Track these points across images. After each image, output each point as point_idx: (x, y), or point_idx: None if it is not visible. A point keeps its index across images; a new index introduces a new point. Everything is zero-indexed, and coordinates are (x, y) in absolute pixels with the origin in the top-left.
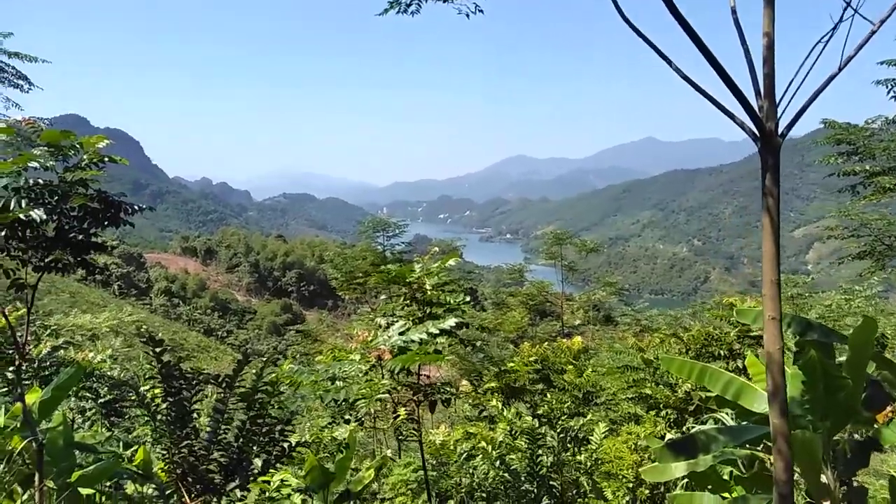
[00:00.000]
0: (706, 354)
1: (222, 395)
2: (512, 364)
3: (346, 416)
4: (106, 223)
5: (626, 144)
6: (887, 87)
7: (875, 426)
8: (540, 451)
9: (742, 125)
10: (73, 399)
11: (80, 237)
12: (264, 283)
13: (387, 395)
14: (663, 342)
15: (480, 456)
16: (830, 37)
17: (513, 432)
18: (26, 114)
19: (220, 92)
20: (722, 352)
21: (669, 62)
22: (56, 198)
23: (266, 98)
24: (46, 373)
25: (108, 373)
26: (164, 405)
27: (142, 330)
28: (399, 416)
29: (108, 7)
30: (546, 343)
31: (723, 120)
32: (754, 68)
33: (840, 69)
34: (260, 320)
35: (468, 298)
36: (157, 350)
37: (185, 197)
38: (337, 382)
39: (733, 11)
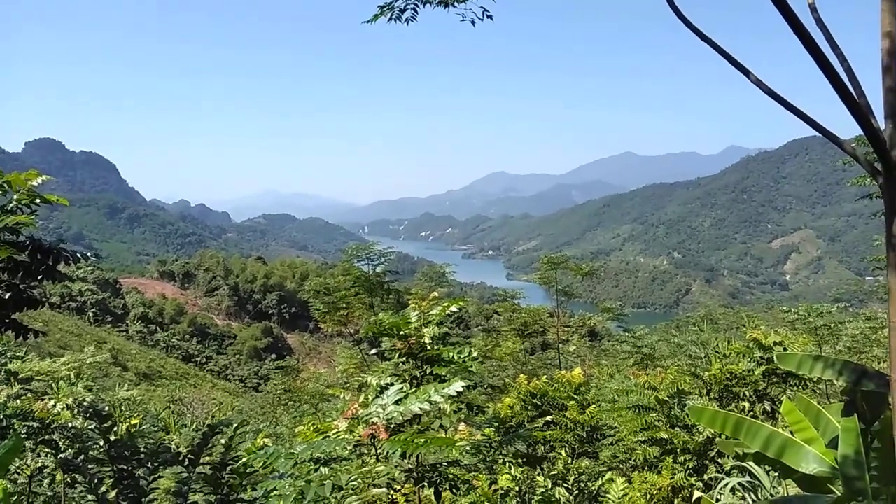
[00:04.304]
0: (729, 396)
1: (184, 473)
2: (508, 402)
3: None
4: (41, 277)
5: (605, 159)
6: None
7: None
8: None
9: (855, 155)
10: (30, 455)
11: (9, 294)
12: (244, 307)
13: (384, 489)
14: (677, 380)
15: None
16: None
17: (521, 492)
18: None
19: (197, 113)
20: (747, 392)
21: (755, 79)
22: None
23: (243, 119)
24: (3, 424)
25: (71, 423)
26: (113, 492)
27: (84, 402)
28: None
29: (83, 27)
30: (544, 377)
31: (699, 134)
32: (857, 80)
33: None
34: (240, 345)
35: (475, 354)
36: (105, 427)
37: (162, 219)
38: (322, 468)
39: (813, 10)
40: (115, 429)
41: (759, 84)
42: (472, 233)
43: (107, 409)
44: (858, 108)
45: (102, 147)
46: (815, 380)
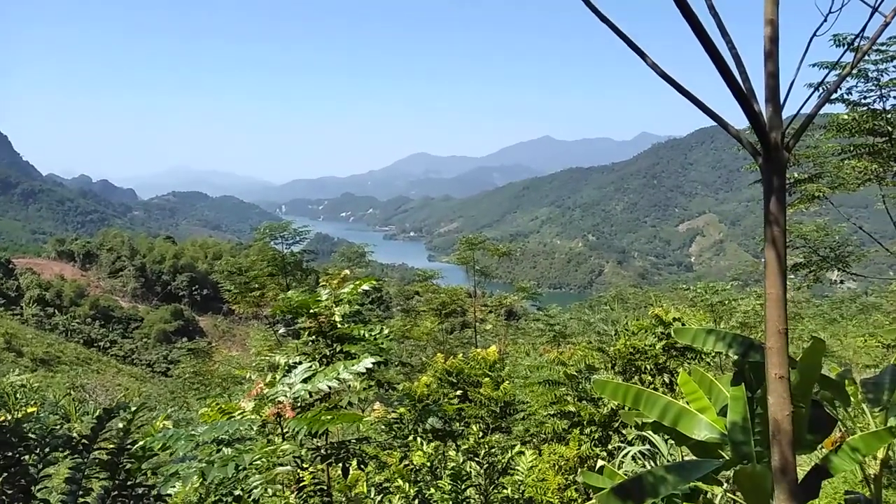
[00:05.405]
0: (632, 369)
1: (78, 459)
2: (425, 380)
3: (237, 492)
4: None
5: (525, 143)
6: (819, 90)
7: (822, 450)
8: (466, 492)
9: (738, 136)
10: None
11: None
12: (152, 289)
13: (290, 467)
14: (585, 356)
15: (397, 496)
16: (817, 30)
17: (433, 468)
18: None
19: (98, 83)
20: (648, 366)
21: (651, 62)
22: None
23: (150, 92)
24: None
25: None
26: None
27: None
28: (304, 483)
29: None
30: (461, 354)
31: (613, 120)
32: (742, 65)
33: (853, 66)
34: (148, 328)
35: (387, 331)
36: None
37: (60, 196)
38: (225, 449)
39: None
40: None
41: (654, 67)
42: (393, 214)
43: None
44: (742, 92)
45: None
46: (711, 354)
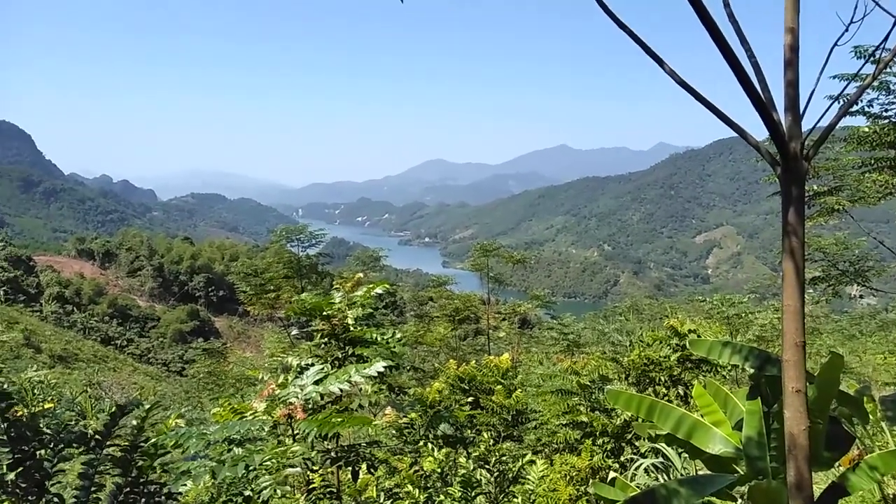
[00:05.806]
0: (646, 380)
1: (91, 455)
2: (437, 386)
3: (247, 492)
4: None
5: (541, 151)
6: (839, 101)
7: (839, 467)
8: (476, 500)
9: (757, 146)
10: None
11: None
12: (169, 289)
13: (298, 469)
14: (599, 366)
15: (407, 502)
16: (838, 38)
17: (443, 474)
18: None
19: (121, 84)
20: (663, 377)
21: (669, 69)
22: None
23: (172, 93)
24: None
25: None
26: (11, 474)
27: None
28: (313, 485)
29: None
30: (473, 361)
31: (630, 130)
32: (762, 73)
33: (874, 78)
34: (164, 328)
35: (399, 335)
36: (3, 406)
37: (81, 195)
38: (235, 449)
39: (726, 4)
40: (14, 408)
41: (672, 75)
42: (409, 219)
43: (6, 386)
44: (761, 101)
45: (16, 116)
46: (727, 367)
